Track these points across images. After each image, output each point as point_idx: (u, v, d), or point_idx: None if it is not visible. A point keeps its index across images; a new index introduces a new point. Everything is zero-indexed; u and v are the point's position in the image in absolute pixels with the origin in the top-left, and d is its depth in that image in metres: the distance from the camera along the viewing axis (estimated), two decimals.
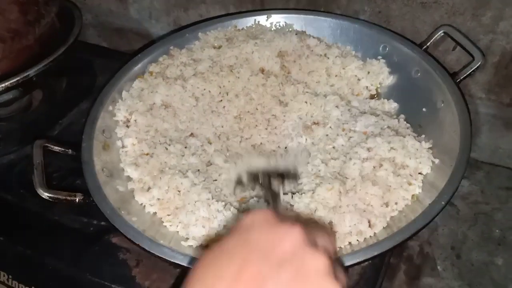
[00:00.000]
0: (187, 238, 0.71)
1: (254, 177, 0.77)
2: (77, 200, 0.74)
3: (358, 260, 0.62)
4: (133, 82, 0.93)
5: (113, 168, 0.81)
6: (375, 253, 0.62)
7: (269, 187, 0.74)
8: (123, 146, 0.85)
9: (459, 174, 0.69)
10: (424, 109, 0.85)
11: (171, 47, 0.99)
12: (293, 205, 0.74)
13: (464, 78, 0.83)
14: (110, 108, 0.88)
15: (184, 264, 0.64)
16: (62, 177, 0.90)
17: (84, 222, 0.85)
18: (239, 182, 0.79)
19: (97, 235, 0.83)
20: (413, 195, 0.73)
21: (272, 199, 0.71)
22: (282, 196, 0.75)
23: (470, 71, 0.82)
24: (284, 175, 0.78)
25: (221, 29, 1.02)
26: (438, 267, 0.91)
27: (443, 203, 0.66)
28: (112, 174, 0.79)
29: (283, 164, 0.82)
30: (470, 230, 0.95)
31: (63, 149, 0.82)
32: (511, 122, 1.00)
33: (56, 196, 0.73)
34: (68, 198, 0.73)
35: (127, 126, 0.87)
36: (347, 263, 0.62)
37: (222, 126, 0.88)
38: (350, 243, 0.69)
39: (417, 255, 0.92)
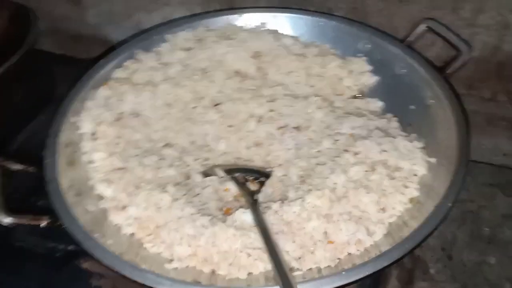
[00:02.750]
0: (172, 260, 0.65)
1: (229, 172, 0.76)
2: (42, 224, 0.65)
3: (367, 273, 0.57)
4: (97, 90, 0.86)
5: (81, 186, 0.73)
6: (385, 264, 0.57)
7: (243, 184, 0.74)
8: (91, 162, 0.77)
9: (461, 172, 0.66)
10: (412, 107, 0.82)
11: (137, 51, 0.92)
12: (282, 215, 0.68)
13: (453, 72, 0.80)
14: (73, 119, 0.80)
15: None
16: (22, 199, 0.82)
17: (50, 247, 0.80)
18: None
19: (65, 261, 0.78)
20: (411, 198, 0.70)
21: (246, 196, 0.71)
22: (260, 196, 0.73)
23: (459, 65, 0.79)
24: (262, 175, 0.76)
25: (190, 30, 0.95)
26: (431, 270, 0.87)
27: (449, 204, 0.62)
28: (81, 193, 0.72)
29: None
30: (459, 229, 0.92)
31: (23, 167, 0.74)
32: (492, 117, 0.99)
33: (18, 222, 0.65)
34: (32, 222, 0.65)
35: (94, 139, 0.79)
36: (356, 277, 0.56)
37: (199, 135, 0.82)
38: (349, 253, 0.64)
39: (408, 259, 0.88)
